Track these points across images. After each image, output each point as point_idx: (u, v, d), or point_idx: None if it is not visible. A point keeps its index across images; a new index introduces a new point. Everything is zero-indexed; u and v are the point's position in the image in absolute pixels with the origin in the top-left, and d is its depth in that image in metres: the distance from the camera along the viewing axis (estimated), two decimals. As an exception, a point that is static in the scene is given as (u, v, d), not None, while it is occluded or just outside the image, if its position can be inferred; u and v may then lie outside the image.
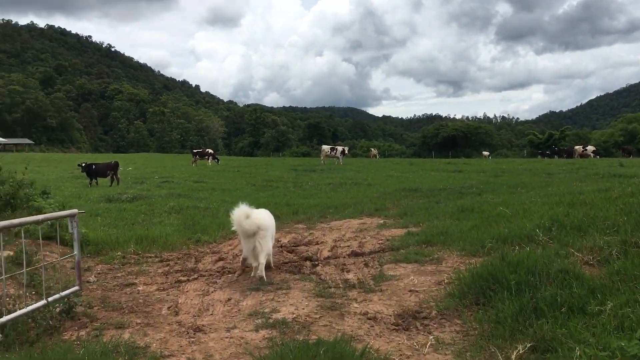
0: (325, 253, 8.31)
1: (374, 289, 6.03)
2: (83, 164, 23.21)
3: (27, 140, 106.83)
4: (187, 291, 6.23)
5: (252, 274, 6.70)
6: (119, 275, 7.12)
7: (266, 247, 6.58)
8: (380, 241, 8.99)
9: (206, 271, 7.24)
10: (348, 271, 6.93)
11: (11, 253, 6.81)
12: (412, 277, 6.34)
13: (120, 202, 14.97)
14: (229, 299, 5.84)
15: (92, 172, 22.55)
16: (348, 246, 8.80)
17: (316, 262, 7.52)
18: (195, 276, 6.89)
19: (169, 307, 5.64)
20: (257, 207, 7.16)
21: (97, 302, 5.81)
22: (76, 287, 5.51)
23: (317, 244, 9.28)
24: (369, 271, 6.85)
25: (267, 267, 6.88)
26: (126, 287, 6.47)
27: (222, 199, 16.11)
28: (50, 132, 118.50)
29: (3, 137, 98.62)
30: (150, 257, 8.23)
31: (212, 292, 6.15)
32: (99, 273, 7.23)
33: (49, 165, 42.80)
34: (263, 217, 6.79)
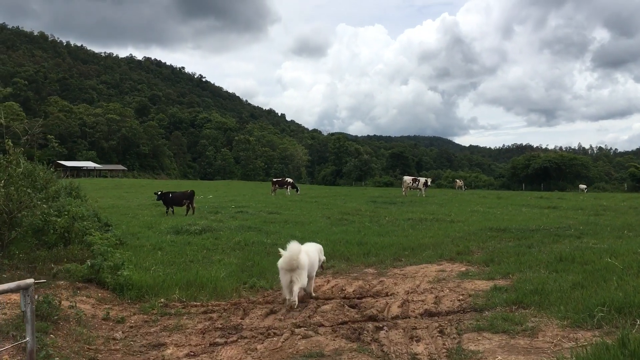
0: (394, 310, 7.07)
1: (449, 372, 4.76)
2: (159, 192, 23.17)
3: (120, 167, 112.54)
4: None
5: (286, 304, 7.46)
6: (152, 330, 6.23)
7: (300, 282, 7.49)
8: (460, 297, 7.63)
9: (251, 329, 6.20)
10: (418, 340, 5.66)
11: None
12: (499, 357, 4.97)
13: (187, 235, 14.43)
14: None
15: (169, 200, 22.43)
16: (422, 301, 7.51)
17: (381, 325, 6.29)
18: (235, 338, 5.85)
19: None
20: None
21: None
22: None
23: (386, 295, 8.07)
24: (444, 342, 5.55)
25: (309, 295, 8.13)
26: (153, 350, 5.54)
27: (292, 233, 15.19)
28: (142, 158, 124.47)
29: (98, 163, 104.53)
30: (195, 305, 7.33)
31: (248, 363, 5.10)
32: (132, 327, 6.38)
33: (136, 191, 44.12)
34: (303, 258, 7.62)
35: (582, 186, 66.79)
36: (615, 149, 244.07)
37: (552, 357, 4.84)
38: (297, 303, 7.41)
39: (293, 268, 7.38)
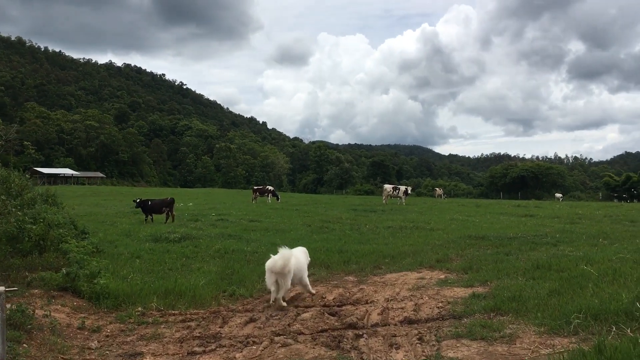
0: (374, 317, 7.07)
1: (428, 380, 4.77)
2: (138, 200, 22.89)
3: (99, 174, 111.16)
4: (198, 369, 5.16)
5: (272, 302, 8.08)
6: (128, 339, 6.13)
7: (285, 286, 8.09)
8: (440, 304, 7.66)
9: (230, 338, 6.15)
10: (397, 348, 5.66)
11: None
12: (477, 364, 5.00)
13: (166, 243, 14.27)
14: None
15: (148, 208, 22.20)
16: (402, 308, 7.53)
17: (361, 333, 6.28)
18: (214, 346, 5.80)
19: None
20: (308, 251, 9.42)
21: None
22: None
23: (366, 302, 8.07)
24: (423, 350, 5.56)
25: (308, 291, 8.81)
26: (129, 359, 5.46)
27: (272, 241, 15.12)
28: (121, 166, 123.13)
29: (76, 170, 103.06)
30: (173, 314, 7.25)
31: (227, 373, 5.04)
32: (108, 336, 6.27)
33: (114, 199, 43.58)
34: (290, 263, 8.18)
35: (558, 195, 67.77)
36: (590, 158, 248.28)
37: (530, 363, 4.88)
38: (281, 303, 8.02)
39: (283, 272, 8.00)
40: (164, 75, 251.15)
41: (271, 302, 8.12)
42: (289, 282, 8.19)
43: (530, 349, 5.35)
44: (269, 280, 8.09)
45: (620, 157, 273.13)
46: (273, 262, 8.07)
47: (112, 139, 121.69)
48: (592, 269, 8.56)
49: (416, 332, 6.22)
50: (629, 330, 5.31)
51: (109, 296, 7.61)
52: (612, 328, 5.49)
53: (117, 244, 13.69)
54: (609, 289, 6.99)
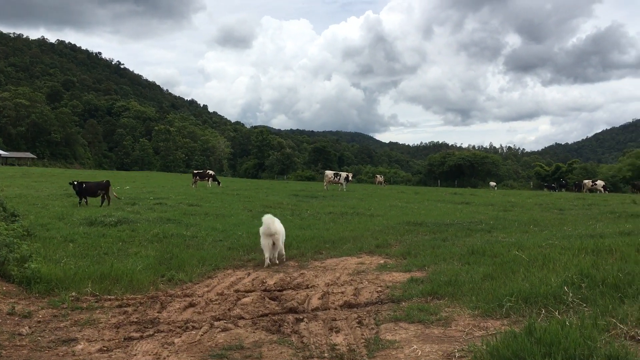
0: (315, 302, 7.12)
1: (367, 363, 4.85)
2: (75, 182, 22.05)
3: (29, 155, 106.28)
4: (135, 355, 5.03)
5: (265, 263, 9.82)
6: (61, 325, 5.92)
7: (278, 245, 9.94)
8: (379, 288, 7.79)
9: (168, 323, 6.04)
10: (338, 331, 5.73)
11: None
12: (414, 346, 5.13)
13: (102, 227, 13.84)
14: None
15: (82, 190, 21.42)
16: (342, 292, 7.61)
17: (302, 317, 6.31)
18: (152, 332, 5.68)
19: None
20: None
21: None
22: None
23: (307, 287, 8.11)
24: (362, 333, 5.65)
25: (280, 260, 10.27)
26: (62, 345, 5.26)
27: (212, 226, 14.98)
28: (54, 146, 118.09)
29: (5, 150, 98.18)
30: (109, 299, 7.04)
31: (165, 357, 4.95)
32: (39, 322, 6.03)
33: (46, 180, 41.84)
34: (280, 225, 10.17)
35: (492, 183, 70.14)
36: (523, 149, 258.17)
37: (464, 345, 5.05)
38: (276, 259, 9.99)
39: (272, 233, 9.71)
40: (100, 53, 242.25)
41: (266, 263, 9.73)
42: (281, 242, 10.01)
43: (464, 331, 5.53)
44: (265, 242, 9.80)
45: (550, 147, 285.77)
46: (266, 226, 9.73)
47: (44, 118, 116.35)
48: (524, 254, 8.90)
49: (356, 315, 6.31)
50: (557, 313, 5.57)
51: (41, 281, 7.31)
52: (542, 310, 5.74)
53: (50, 228, 13.19)
54: (539, 274, 7.30)
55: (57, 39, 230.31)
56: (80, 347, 5.20)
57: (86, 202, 21.12)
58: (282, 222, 10.63)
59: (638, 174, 67.66)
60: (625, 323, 5.02)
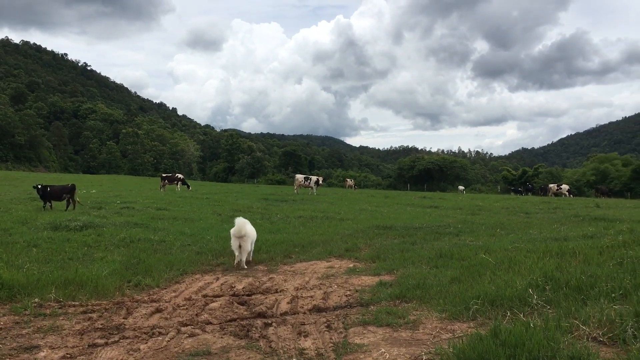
0: (284, 306, 7.10)
1: (335, 367, 4.85)
2: (39, 186, 21.54)
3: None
4: (99, 362, 4.94)
5: (235, 262, 10.09)
6: (24, 332, 5.77)
7: (246, 248, 10.11)
8: (348, 292, 7.82)
9: (134, 329, 5.94)
10: (306, 335, 5.72)
11: None
12: (382, 350, 5.15)
13: (67, 231, 13.56)
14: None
15: (47, 194, 20.95)
16: (311, 297, 7.61)
17: (270, 322, 6.28)
18: (117, 338, 5.58)
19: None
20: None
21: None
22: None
23: (275, 292, 8.08)
24: (331, 337, 5.65)
25: (247, 262, 10.41)
26: (24, 353, 5.13)
27: (181, 230, 14.80)
28: (17, 149, 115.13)
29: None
30: (74, 305, 6.89)
31: (131, 364, 4.87)
32: (0, 329, 5.87)
33: (9, 184, 40.88)
34: (250, 228, 10.40)
35: (461, 187, 71.07)
36: (491, 153, 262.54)
37: (431, 348, 5.10)
38: (244, 263, 10.13)
39: (240, 235, 9.92)
40: (66, 54, 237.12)
41: (235, 264, 10.03)
42: (249, 245, 10.24)
43: (432, 334, 5.58)
44: (234, 244, 10.02)
45: (517, 152, 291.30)
46: (238, 228, 9.94)
47: (7, 120, 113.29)
48: (490, 257, 9.05)
49: (324, 320, 6.31)
50: (522, 315, 5.67)
51: (2, 287, 7.09)
52: (507, 313, 5.84)
53: (12, 232, 12.88)
54: (505, 277, 7.42)
55: (22, 40, 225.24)
56: (42, 354, 5.07)
57: (51, 206, 20.67)
58: (252, 226, 10.60)
59: (601, 178, 69.49)
60: (588, 325, 5.14)
